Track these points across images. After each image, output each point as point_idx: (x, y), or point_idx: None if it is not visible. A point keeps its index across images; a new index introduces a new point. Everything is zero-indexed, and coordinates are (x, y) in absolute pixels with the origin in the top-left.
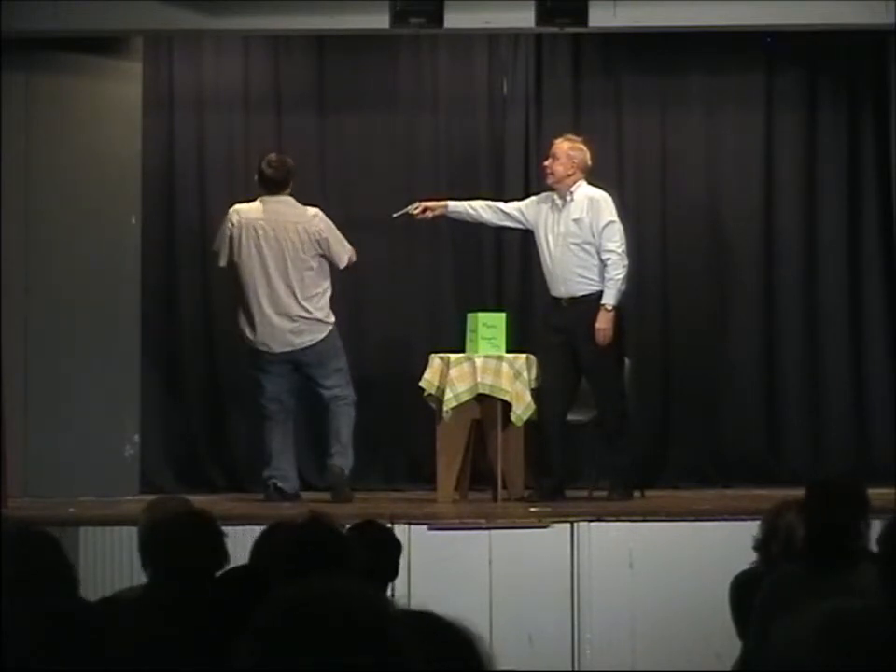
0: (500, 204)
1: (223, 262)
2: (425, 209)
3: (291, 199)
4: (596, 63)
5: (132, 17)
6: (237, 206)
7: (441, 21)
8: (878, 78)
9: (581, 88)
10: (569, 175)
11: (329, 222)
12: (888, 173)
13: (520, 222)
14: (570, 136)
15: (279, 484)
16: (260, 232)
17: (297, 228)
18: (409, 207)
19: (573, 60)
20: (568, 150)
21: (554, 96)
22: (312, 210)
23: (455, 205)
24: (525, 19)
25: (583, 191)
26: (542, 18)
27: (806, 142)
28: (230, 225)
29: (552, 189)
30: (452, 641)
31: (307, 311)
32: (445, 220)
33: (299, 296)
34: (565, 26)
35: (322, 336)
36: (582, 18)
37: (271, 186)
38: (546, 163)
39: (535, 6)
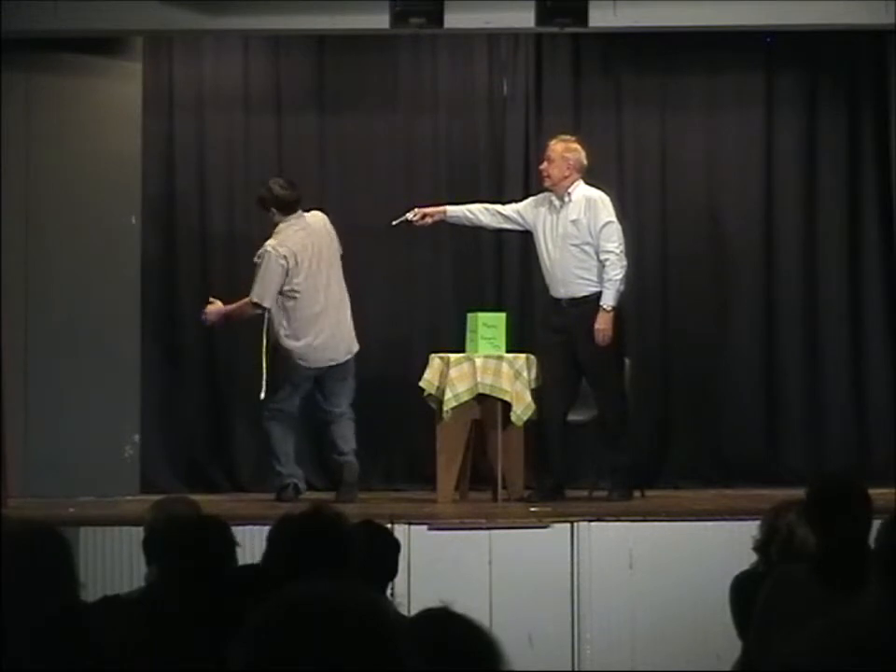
0: (499, 207)
1: (270, 303)
2: (423, 215)
3: (301, 211)
4: (596, 63)
5: (132, 17)
6: (273, 242)
7: (441, 21)
8: (878, 78)
9: (580, 88)
10: (566, 177)
11: None
12: (888, 173)
13: (519, 224)
14: (564, 137)
15: (299, 484)
16: (308, 252)
17: (328, 232)
18: (407, 214)
19: (573, 60)
20: (563, 152)
21: (554, 96)
22: (320, 214)
23: (453, 210)
24: (524, 19)
25: (581, 192)
26: (542, 18)
27: (806, 142)
28: (283, 262)
29: (550, 190)
30: (470, 639)
31: (348, 316)
32: (445, 222)
33: (344, 303)
34: (565, 26)
35: (357, 348)
36: (582, 18)
37: (290, 206)
38: (542, 167)
39: (535, 6)
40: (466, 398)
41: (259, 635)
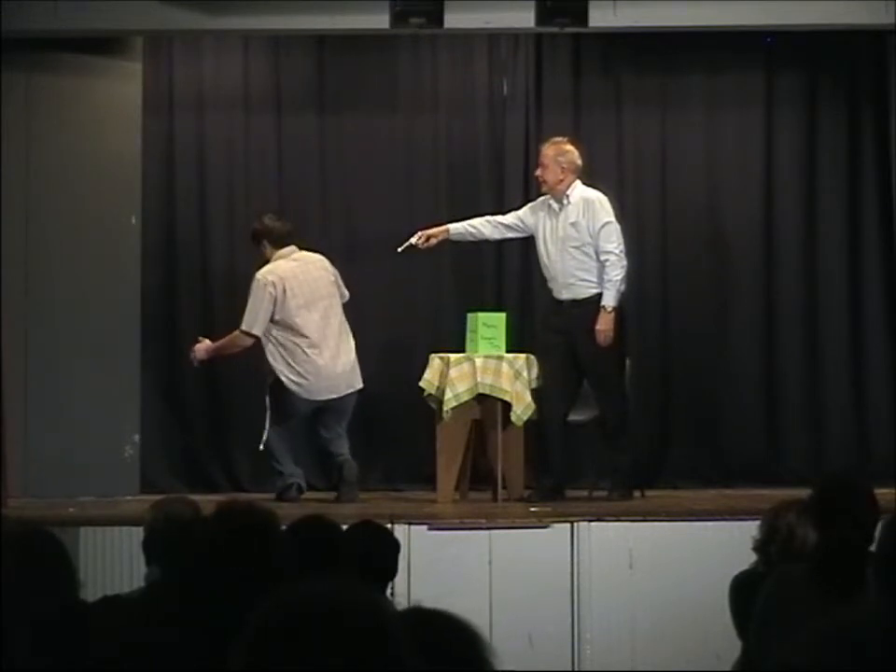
0: (500, 218)
1: (261, 330)
2: (427, 237)
3: (294, 247)
4: (596, 63)
5: (132, 17)
6: (265, 270)
7: (440, 21)
8: (878, 78)
9: (580, 88)
10: (561, 181)
11: None
12: (888, 173)
13: (521, 231)
14: (556, 139)
15: (301, 484)
16: (299, 280)
17: (325, 268)
18: (411, 239)
19: (573, 60)
20: (555, 156)
21: (554, 96)
22: (318, 255)
23: (455, 227)
24: (525, 19)
25: (579, 193)
26: (542, 18)
27: (806, 142)
28: (271, 290)
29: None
30: (457, 638)
31: (351, 352)
32: (449, 241)
33: (347, 337)
34: (565, 26)
35: (361, 385)
36: (582, 18)
37: (283, 238)
38: (537, 173)
39: (535, 6)
40: (466, 398)
41: (259, 635)
